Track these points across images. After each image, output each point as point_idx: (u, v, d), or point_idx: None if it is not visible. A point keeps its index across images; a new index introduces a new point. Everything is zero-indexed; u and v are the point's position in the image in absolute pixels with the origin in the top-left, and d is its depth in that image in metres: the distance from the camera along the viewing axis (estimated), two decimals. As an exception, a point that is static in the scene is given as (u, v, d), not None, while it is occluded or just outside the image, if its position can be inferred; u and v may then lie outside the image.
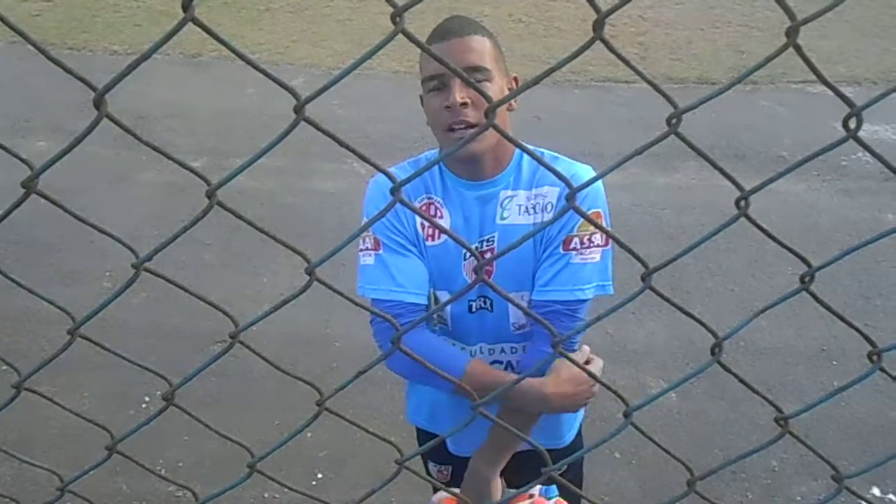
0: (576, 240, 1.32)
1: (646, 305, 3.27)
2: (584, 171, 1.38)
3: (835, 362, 3.09)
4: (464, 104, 1.25)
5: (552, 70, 0.47)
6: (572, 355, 1.34)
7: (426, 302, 1.38)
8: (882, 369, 0.60)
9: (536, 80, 0.51)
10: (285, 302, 0.56)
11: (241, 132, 4.74)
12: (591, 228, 1.32)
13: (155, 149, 0.51)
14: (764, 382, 2.98)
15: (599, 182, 1.36)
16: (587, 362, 1.38)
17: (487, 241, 1.37)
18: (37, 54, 0.50)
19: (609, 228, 1.43)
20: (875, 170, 4.31)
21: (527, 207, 1.37)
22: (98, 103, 0.47)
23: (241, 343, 0.57)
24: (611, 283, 1.36)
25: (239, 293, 3.46)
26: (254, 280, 3.55)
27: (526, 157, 1.40)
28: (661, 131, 0.55)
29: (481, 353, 1.45)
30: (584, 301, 1.34)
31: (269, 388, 2.95)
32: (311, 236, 3.79)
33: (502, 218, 1.37)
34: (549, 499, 1.46)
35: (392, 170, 1.42)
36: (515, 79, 1.40)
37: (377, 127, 4.77)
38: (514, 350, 1.45)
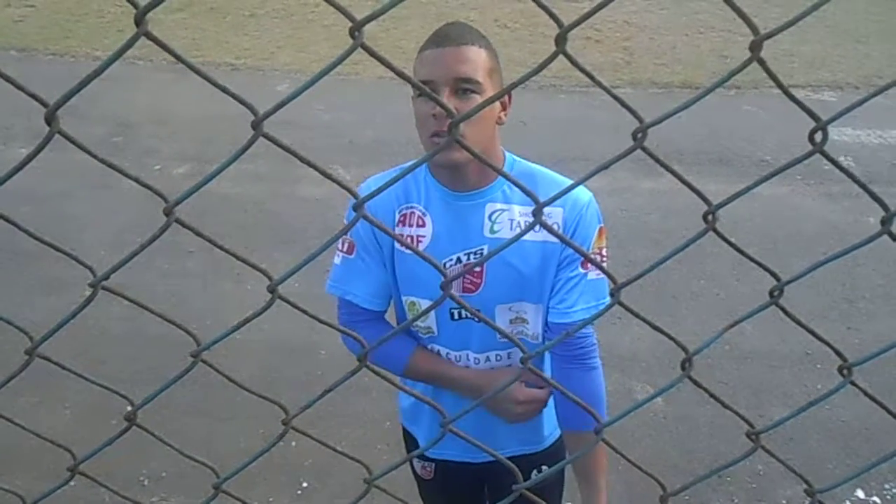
0: (592, 256, 1.34)
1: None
2: (580, 190, 1.37)
3: (819, 366, 3.10)
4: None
5: (514, 86, 0.46)
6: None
7: (382, 308, 1.47)
8: (853, 383, 0.60)
9: (497, 97, 0.51)
10: (247, 320, 0.55)
11: (224, 138, 4.72)
12: (603, 242, 1.38)
13: (110, 166, 0.49)
14: (749, 386, 2.99)
15: (593, 198, 1.39)
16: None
17: (475, 253, 1.35)
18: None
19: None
20: (857, 173, 4.33)
21: (521, 224, 1.34)
22: (50, 119, 0.46)
23: (204, 362, 0.56)
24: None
25: (223, 300, 3.43)
26: (237, 287, 3.53)
27: (517, 170, 1.39)
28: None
29: (468, 360, 1.45)
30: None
31: (253, 397, 2.91)
32: (295, 243, 3.77)
33: (492, 231, 1.35)
34: None
35: (376, 176, 1.43)
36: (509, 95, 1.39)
37: (362, 133, 4.76)
38: (499, 358, 1.45)
